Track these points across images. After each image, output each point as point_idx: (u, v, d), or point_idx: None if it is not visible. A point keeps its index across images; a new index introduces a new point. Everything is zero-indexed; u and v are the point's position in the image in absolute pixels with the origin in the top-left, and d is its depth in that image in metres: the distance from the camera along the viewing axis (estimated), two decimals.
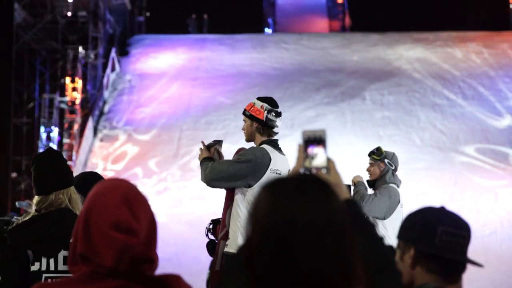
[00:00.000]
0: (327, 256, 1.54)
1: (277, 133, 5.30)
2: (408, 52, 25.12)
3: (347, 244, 1.57)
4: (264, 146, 5.17)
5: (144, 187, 18.94)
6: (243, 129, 5.32)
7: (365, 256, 1.65)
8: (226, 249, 5.03)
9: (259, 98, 5.32)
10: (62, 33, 25.14)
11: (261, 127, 5.21)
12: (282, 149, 5.29)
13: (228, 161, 5.11)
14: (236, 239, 4.99)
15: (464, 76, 23.42)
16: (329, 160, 1.86)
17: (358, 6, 31.25)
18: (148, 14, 29.94)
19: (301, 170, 1.86)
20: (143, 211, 2.00)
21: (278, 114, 5.22)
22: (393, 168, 6.21)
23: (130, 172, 19.69)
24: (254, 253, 1.59)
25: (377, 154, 6.21)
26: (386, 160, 6.20)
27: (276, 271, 1.55)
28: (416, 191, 17.82)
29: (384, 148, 6.44)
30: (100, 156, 21.07)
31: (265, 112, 5.20)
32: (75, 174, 3.92)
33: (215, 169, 5.06)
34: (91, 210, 1.99)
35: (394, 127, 21.04)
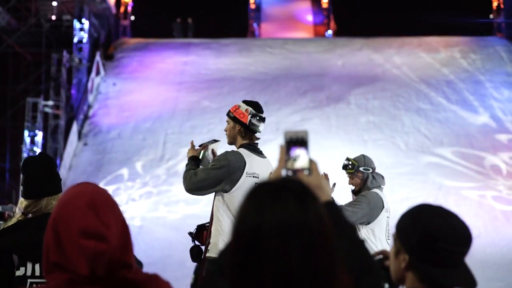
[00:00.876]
0: (294, 262, 1.52)
1: (258, 138, 5.30)
2: (392, 57, 25.21)
3: (325, 248, 1.56)
4: (240, 150, 5.17)
5: (129, 190, 18.88)
6: (225, 130, 5.32)
7: (347, 259, 1.64)
8: (208, 254, 5.02)
9: (244, 101, 5.32)
10: (46, 36, 25.02)
11: (244, 130, 5.21)
12: (262, 152, 5.29)
13: (205, 169, 5.11)
14: (217, 244, 4.98)
15: (448, 81, 23.54)
16: (311, 162, 1.86)
17: (343, 10, 31.33)
18: (132, 18, 29.86)
19: (283, 172, 1.85)
20: (112, 216, 1.98)
21: (262, 119, 5.23)
22: (370, 171, 6.19)
23: (115, 175, 19.62)
24: (227, 259, 1.59)
25: (350, 168, 6.18)
26: (361, 168, 6.18)
27: (245, 277, 1.55)
28: (400, 195, 17.87)
29: (364, 152, 6.45)
30: (84, 160, 20.97)
31: (249, 116, 5.20)
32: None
33: (194, 178, 5.08)
34: (58, 219, 1.97)
35: (378, 131, 21.11)
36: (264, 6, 32.75)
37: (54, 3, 25.17)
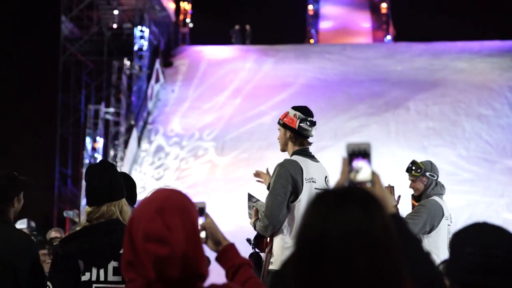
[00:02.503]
0: (360, 271, 1.50)
1: (311, 143, 5.26)
2: (453, 62, 24.83)
3: (391, 258, 1.53)
4: (294, 157, 5.13)
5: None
6: (278, 139, 5.30)
7: (412, 271, 1.61)
8: (271, 266, 4.97)
9: (293, 107, 5.31)
10: (107, 45, 25.49)
11: (294, 136, 5.18)
12: (315, 156, 5.25)
13: (269, 197, 4.99)
14: (280, 255, 4.93)
15: (510, 86, 23.05)
16: (374, 174, 1.84)
17: (402, 15, 31.03)
18: (191, 25, 30.16)
19: (346, 184, 1.84)
20: (179, 220, 1.98)
21: (312, 123, 5.19)
22: (435, 178, 6.09)
23: (172, 180, 19.82)
24: (291, 269, 1.58)
25: (416, 170, 6.06)
26: (427, 173, 6.07)
27: (309, 285, 1.53)
28: (461, 202, 17.57)
29: (423, 159, 6.34)
30: (144, 166, 21.25)
31: (298, 120, 5.17)
32: None
33: (267, 215, 4.94)
34: (131, 222, 2.02)
35: (438, 137, 20.80)
36: (322, 12, 32.67)
37: (115, 12, 25.61)
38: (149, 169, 21.09)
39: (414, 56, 25.55)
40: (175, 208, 2.00)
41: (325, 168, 5.24)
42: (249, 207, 5.26)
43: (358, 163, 1.81)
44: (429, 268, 1.87)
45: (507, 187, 18.52)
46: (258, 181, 5.34)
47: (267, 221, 4.92)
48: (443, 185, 6.16)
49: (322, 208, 1.57)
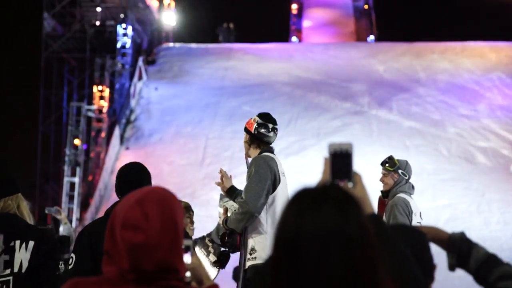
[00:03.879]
0: (334, 271, 1.49)
1: (273, 149, 5.27)
2: (435, 62, 24.96)
3: (367, 258, 1.52)
4: (265, 154, 5.16)
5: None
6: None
7: (391, 271, 1.61)
8: (253, 262, 4.97)
9: (258, 114, 5.35)
10: (90, 42, 25.37)
11: (251, 139, 5.21)
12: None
13: (250, 185, 4.99)
14: (262, 249, 4.94)
15: (492, 87, 23.20)
16: (355, 174, 1.84)
17: (385, 16, 31.14)
18: (175, 23, 30.09)
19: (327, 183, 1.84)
20: (159, 211, 1.97)
21: (272, 129, 5.21)
22: (406, 177, 6.14)
23: (156, 178, 19.76)
24: (269, 267, 1.57)
25: (390, 165, 6.13)
26: (400, 171, 6.12)
27: (284, 286, 1.53)
28: (442, 202, 17.67)
29: (404, 158, 6.39)
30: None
31: (255, 124, 5.19)
32: (101, 182, 3.97)
33: (247, 201, 4.94)
34: (113, 213, 2.03)
35: (421, 137, 20.89)
36: (306, 11, 32.73)
37: (98, 9, 25.50)
38: None
39: (397, 56, 25.66)
40: (156, 200, 2.00)
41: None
42: (220, 206, 5.27)
43: (340, 163, 1.82)
44: (409, 267, 1.87)
45: (488, 187, 18.64)
46: (218, 183, 5.33)
47: (246, 207, 4.91)
48: (413, 186, 6.21)
49: (298, 206, 1.56)
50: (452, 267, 2.15)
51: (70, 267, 3.75)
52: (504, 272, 2.04)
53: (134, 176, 4.09)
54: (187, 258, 2.05)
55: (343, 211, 1.54)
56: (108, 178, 20.30)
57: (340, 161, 1.81)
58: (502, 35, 26.70)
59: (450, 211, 17.25)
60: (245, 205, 4.93)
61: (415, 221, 5.96)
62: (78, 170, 21.86)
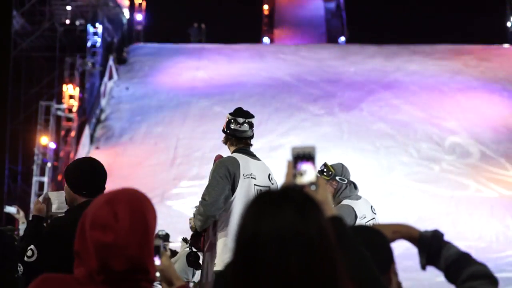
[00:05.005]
0: (292, 273, 1.49)
1: (250, 144, 5.26)
2: (405, 64, 25.16)
3: (326, 260, 1.53)
4: (233, 154, 5.16)
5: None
6: None
7: (351, 273, 1.62)
8: (214, 268, 4.96)
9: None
10: (60, 40, 25.15)
11: (226, 137, 5.22)
12: (256, 155, 5.28)
13: (209, 187, 5.01)
14: (221, 254, 4.95)
15: (460, 89, 23.45)
16: (318, 177, 1.86)
17: (356, 18, 31.31)
18: (145, 22, 29.97)
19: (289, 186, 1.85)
20: (128, 210, 1.97)
21: (244, 123, 5.19)
22: (345, 182, 5.97)
23: (125, 179, 19.65)
24: (229, 270, 1.57)
25: (326, 174, 5.90)
26: (337, 178, 5.93)
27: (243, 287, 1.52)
28: (412, 203, 17.82)
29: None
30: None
31: (226, 121, 5.22)
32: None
33: (203, 203, 4.96)
34: (84, 213, 2.02)
35: (390, 139, 21.05)
36: (277, 12, 32.78)
37: (68, 8, 25.29)
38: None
39: (367, 58, 25.82)
40: (125, 200, 1.99)
41: (267, 166, 5.28)
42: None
43: (303, 166, 1.83)
44: (368, 271, 1.88)
45: (456, 189, 18.85)
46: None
47: (202, 208, 4.92)
48: (355, 186, 6.02)
49: (257, 208, 1.56)
50: (422, 266, 2.16)
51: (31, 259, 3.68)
52: (474, 272, 2.03)
53: (103, 174, 4.07)
54: (156, 259, 2.04)
55: (302, 213, 1.55)
56: None
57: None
58: (470, 38, 26.99)
59: (419, 212, 17.40)
60: (200, 208, 4.96)
61: (364, 222, 5.88)
62: (47, 169, 21.67)
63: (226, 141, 5.26)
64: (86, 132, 22.29)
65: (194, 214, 5.10)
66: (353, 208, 5.82)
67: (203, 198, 4.98)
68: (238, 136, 5.20)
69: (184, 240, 5.23)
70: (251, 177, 5.07)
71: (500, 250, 16.19)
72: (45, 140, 22.38)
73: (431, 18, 31.83)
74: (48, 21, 25.22)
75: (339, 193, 5.93)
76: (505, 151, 20.49)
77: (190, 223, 5.20)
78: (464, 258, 2.08)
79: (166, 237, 9.58)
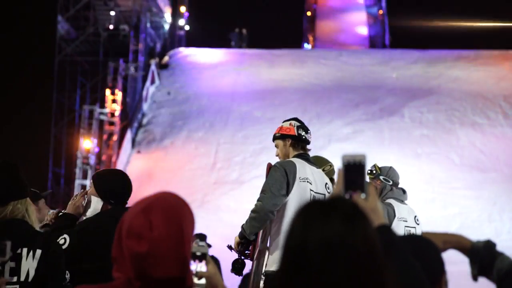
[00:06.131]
0: (338, 283, 1.51)
1: (309, 149, 5.30)
2: (448, 70, 24.89)
3: (372, 270, 1.54)
4: (292, 159, 5.16)
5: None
6: (277, 155, 5.30)
7: (399, 283, 1.62)
8: (266, 268, 4.96)
9: (284, 121, 5.35)
10: (103, 45, 25.47)
11: (295, 142, 5.23)
12: (315, 163, 5.28)
13: (267, 184, 4.99)
14: (273, 254, 4.93)
15: (505, 96, 23.11)
16: (368, 185, 1.85)
17: (399, 23, 31.09)
18: (187, 27, 30.17)
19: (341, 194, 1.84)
20: (164, 219, 1.96)
21: (308, 130, 5.29)
22: (390, 183, 6.05)
23: (164, 183, 19.78)
24: (278, 275, 1.58)
25: (370, 174, 6.07)
26: (381, 177, 6.05)
27: None
28: (453, 210, 17.60)
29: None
30: (137, 168, 21.22)
31: (295, 127, 5.23)
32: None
33: (267, 196, 4.93)
34: (122, 220, 2.02)
35: (433, 145, 20.83)
36: (319, 17, 32.73)
37: (112, 13, 25.61)
38: (143, 170, 21.05)
39: (409, 63, 25.61)
40: (162, 208, 1.98)
41: (325, 176, 5.28)
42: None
43: (353, 174, 1.82)
44: (417, 278, 1.87)
45: (499, 196, 18.55)
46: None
47: (261, 202, 4.91)
48: (404, 191, 6.09)
49: (306, 217, 1.58)
50: (474, 277, 2.12)
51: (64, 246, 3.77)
52: None
53: (131, 188, 4.18)
54: (202, 266, 2.04)
55: (349, 223, 1.56)
56: None
57: (353, 172, 1.82)
58: None
59: (461, 220, 17.18)
60: (258, 202, 4.95)
61: (402, 226, 5.87)
62: (89, 172, 21.94)
63: (291, 146, 5.24)
64: (128, 136, 22.51)
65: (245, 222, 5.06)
66: (393, 208, 5.83)
67: (262, 192, 4.97)
68: (305, 140, 5.24)
69: (229, 247, 5.19)
70: (307, 181, 5.06)
71: None
72: (88, 144, 22.66)
73: (475, 23, 31.44)
74: (92, 26, 25.58)
75: (384, 194, 5.97)
76: None
77: (234, 242, 5.16)
78: None
79: (202, 237, 9.55)
